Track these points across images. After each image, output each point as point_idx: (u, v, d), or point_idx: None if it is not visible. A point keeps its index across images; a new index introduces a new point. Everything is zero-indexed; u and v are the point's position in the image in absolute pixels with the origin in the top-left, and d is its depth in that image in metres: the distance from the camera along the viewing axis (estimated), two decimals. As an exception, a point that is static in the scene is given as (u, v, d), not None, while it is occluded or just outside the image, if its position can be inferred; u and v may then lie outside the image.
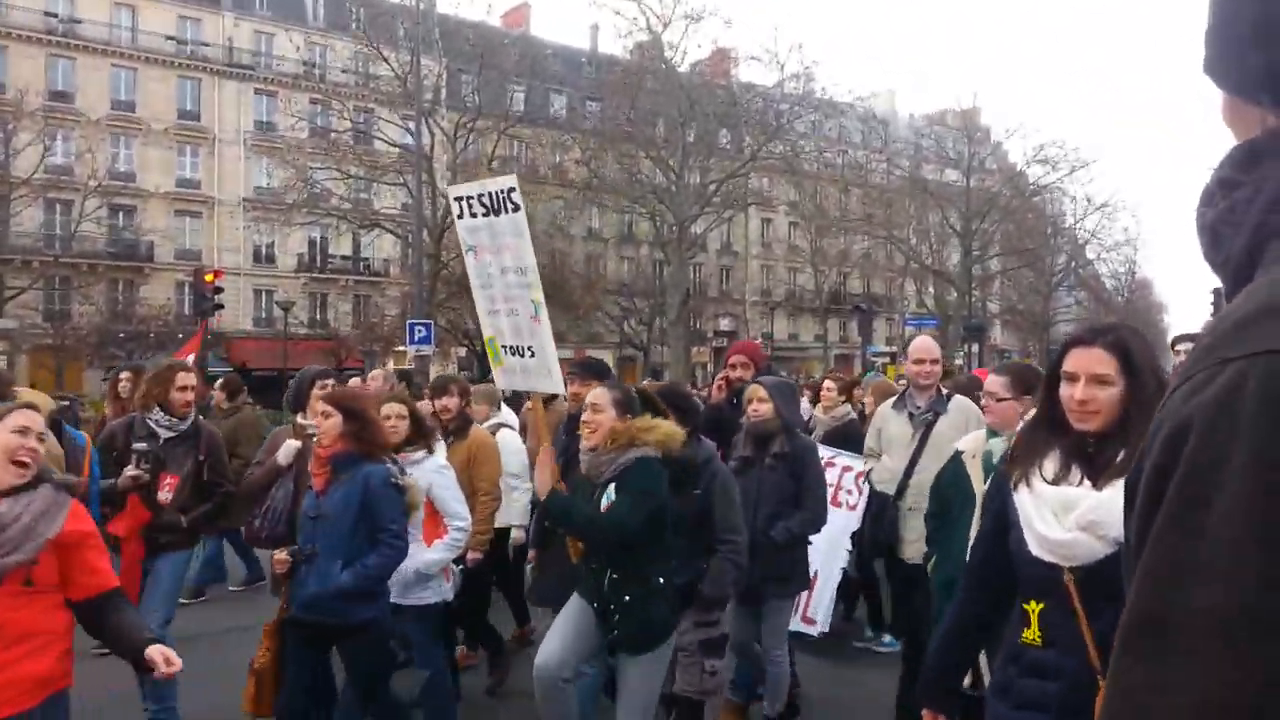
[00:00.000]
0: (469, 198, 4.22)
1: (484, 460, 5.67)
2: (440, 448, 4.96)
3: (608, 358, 44.95)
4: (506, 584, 6.51)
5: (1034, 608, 2.29)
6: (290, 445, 4.87)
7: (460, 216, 4.30)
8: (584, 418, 3.78)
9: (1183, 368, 0.69)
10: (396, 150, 32.14)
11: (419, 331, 19.89)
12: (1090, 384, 2.19)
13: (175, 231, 38.81)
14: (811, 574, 6.42)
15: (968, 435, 4.20)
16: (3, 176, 31.17)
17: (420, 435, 4.79)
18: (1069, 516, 2.19)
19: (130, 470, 4.77)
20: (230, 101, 40.22)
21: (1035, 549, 2.25)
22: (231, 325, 37.63)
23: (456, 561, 5.11)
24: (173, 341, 31.32)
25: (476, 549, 5.44)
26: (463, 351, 34.92)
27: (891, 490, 5.22)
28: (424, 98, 25.39)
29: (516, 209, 4.06)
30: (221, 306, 22.95)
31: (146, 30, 38.72)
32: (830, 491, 6.35)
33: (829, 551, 6.34)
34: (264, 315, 39.99)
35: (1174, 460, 0.65)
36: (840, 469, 6.39)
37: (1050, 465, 2.26)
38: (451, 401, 5.78)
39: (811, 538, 6.39)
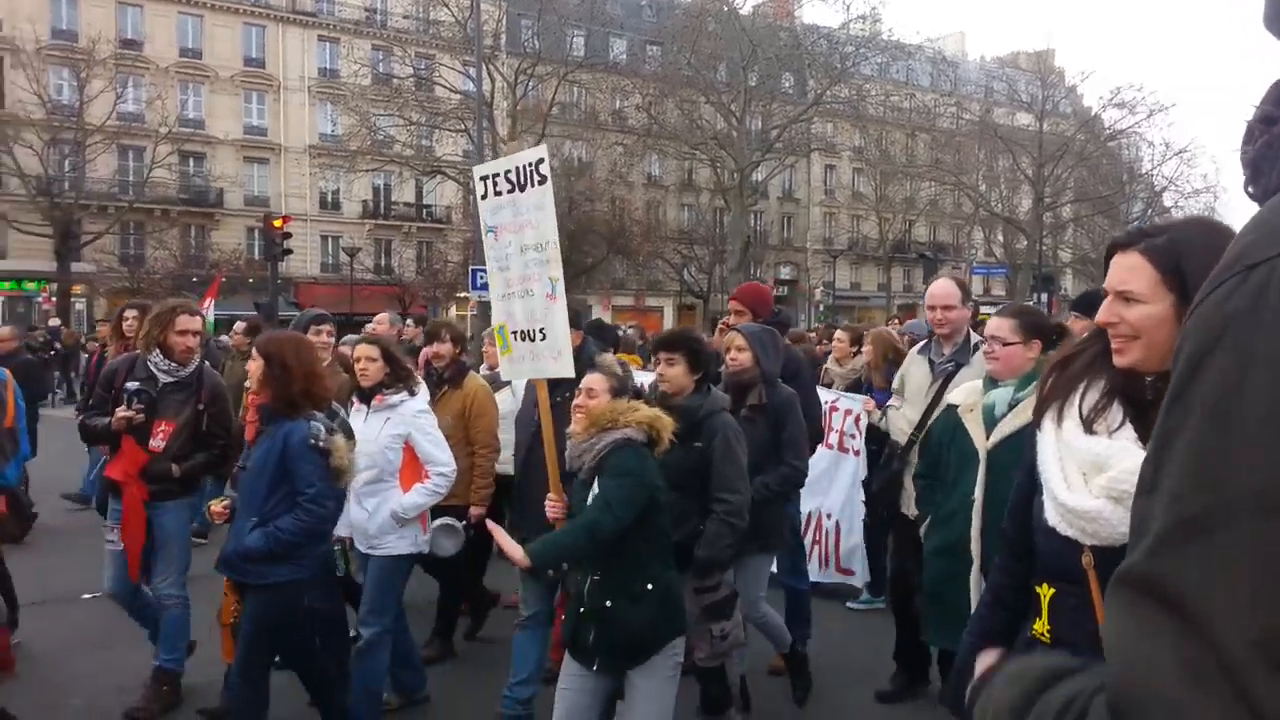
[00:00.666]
0: (494, 175, 4.10)
1: (480, 412, 5.32)
2: (422, 390, 4.65)
3: (667, 305, 45.06)
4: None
5: (1045, 592, 1.85)
6: None
7: (484, 197, 4.15)
8: (575, 403, 3.51)
9: (1209, 279, 0.70)
10: (457, 97, 32.16)
11: (480, 278, 20.05)
12: (1116, 301, 1.67)
13: (244, 178, 39.51)
14: (834, 524, 6.39)
15: (961, 386, 3.81)
16: (78, 123, 31.97)
17: (398, 378, 4.47)
18: (1098, 479, 1.69)
19: (122, 410, 4.54)
20: (295, 48, 40.51)
21: (1051, 516, 1.76)
22: (299, 270, 38.33)
23: (459, 518, 4.94)
24: (244, 286, 32.14)
25: (479, 504, 5.18)
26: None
27: (904, 440, 4.86)
28: (484, 43, 25.30)
29: (543, 181, 3.92)
30: (290, 251, 23.37)
31: (212, -23, 39.14)
32: (835, 437, 6.33)
33: (845, 500, 6.30)
34: (330, 261, 40.65)
35: (1202, 364, 0.66)
36: (843, 413, 6.27)
37: (1090, 400, 1.75)
38: (444, 348, 5.42)
39: (825, 488, 6.33)
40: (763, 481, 4.37)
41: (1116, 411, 1.70)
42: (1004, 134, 40.81)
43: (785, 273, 49.29)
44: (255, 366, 3.83)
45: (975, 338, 4.78)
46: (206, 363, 5.13)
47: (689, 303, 43.89)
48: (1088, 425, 1.72)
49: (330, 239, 40.85)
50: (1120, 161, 45.12)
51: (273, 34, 40.27)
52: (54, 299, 31.28)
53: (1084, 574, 1.74)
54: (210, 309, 13.61)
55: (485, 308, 21.68)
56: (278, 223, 21.66)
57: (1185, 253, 1.62)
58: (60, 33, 35.43)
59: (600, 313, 38.75)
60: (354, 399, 4.58)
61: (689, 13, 35.14)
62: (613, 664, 3.33)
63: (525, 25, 35.17)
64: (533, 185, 3.96)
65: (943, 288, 4.77)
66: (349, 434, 4.00)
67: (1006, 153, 41.38)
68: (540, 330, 4.00)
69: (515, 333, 4.12)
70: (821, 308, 46.13)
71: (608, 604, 3.28)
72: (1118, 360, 1.68)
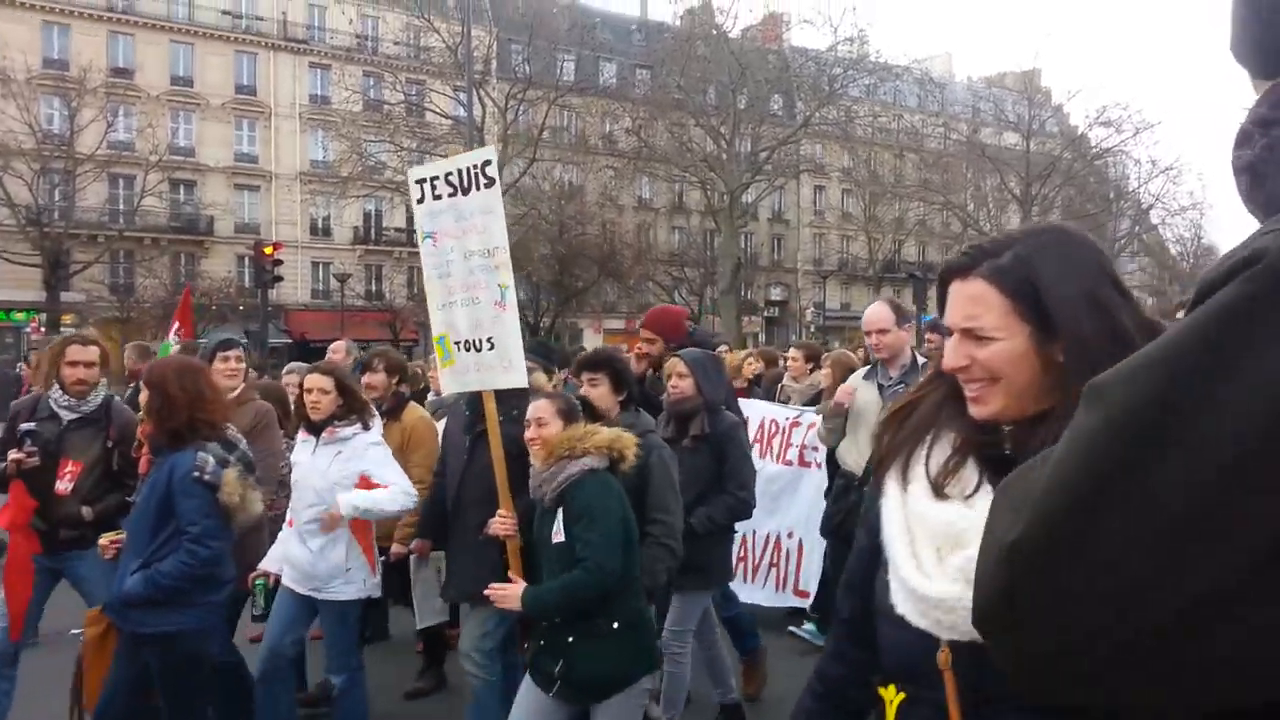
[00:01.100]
0: (432, 179, 3.96)
1: (417, 445, 5.10)
2: (376, 423, 4.47)
3: (659, 327, 44.97)
4: None
5: (891, 696, 1.42)
6: None
7: (420, 200, 4.00)
8: (528, 435, 3.39)
9: (1228, 252, 0.67)
10: (448, 122, 32.29)
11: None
12: (964, 341, 1.32)
13: (234, 205, 39.49)
14: (796, 543, 6.23)
15: None
16: (68, 153, 31.95)
17: (352, 410, 4.25)
18: (954, 557, 1.28)
19: (12, 453, 4.22)
20: (285, 75, 40.65)
21: (899, 603, 1.35)
22: (290, 298, 38.28)
23: (380, 554, 4.64)
24: (234, 314, 32.05)
25: (402, 541, 4.88)
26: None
27: (859, 471, 4.64)
28: (474, 68, 25.42)
29: (490, 184, 3.78)
30: (280, 279, 23.34)
31: (202, 5, 39.26)
32: (796, 453, 6.25)
33: (809, 517, 6.15)
34: (321, 287, 40.56)
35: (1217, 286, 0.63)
36: (805, 427, 6.19)
37: (938, 457, 1.39)
38: (377, 379, 5.22)
39: (786, 507, 6.21)
40: (707, 514, 4.21)
41: (972, 471, 1.34)
42: (991, 153, 41.08)
43: (776, 294, 49.41)
44: (144, 396, 3.60)
45: (921, 359, 4.73)
46: (115, 397, 4.80)
47: (681, 324, 43.84)
48: (938, 489, 1.35)
49: (321, 265, 40.78)
50: (1107, 179, 45.46)
51: (264, 61, 40.41)
52: (43, 329, 31.12)
53: (940, 675, 1.29)
54: (174, 334, 10.80)
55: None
56: (268, 250, 21.66)
57: (1038, 270, 1.28)
58: (51, 62, 35.49)
59: (591, 336, 38.77)
60: (301, 430, 4.38)
61: (678, 37, 35.38)
62: (572, 695, 3.21)
63: (515, 50, 35.37)
64: (478, 188, 3.82)
65: (875, 312, 4.67)
66: (250, 467, 3.70)
67: (994, 172, 41.64)
68: (488, 340, 3.86)
69: (458, 343, 3.96)
70: (813, 328, 46.20)
71: (570, 640, 3.16)
72: (977, 412, 1.33)
